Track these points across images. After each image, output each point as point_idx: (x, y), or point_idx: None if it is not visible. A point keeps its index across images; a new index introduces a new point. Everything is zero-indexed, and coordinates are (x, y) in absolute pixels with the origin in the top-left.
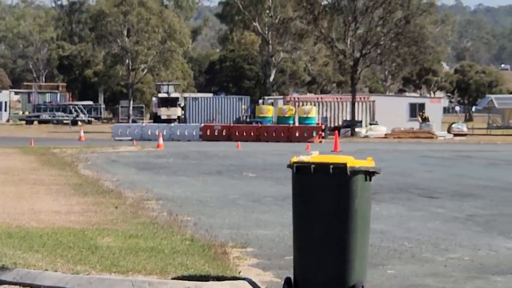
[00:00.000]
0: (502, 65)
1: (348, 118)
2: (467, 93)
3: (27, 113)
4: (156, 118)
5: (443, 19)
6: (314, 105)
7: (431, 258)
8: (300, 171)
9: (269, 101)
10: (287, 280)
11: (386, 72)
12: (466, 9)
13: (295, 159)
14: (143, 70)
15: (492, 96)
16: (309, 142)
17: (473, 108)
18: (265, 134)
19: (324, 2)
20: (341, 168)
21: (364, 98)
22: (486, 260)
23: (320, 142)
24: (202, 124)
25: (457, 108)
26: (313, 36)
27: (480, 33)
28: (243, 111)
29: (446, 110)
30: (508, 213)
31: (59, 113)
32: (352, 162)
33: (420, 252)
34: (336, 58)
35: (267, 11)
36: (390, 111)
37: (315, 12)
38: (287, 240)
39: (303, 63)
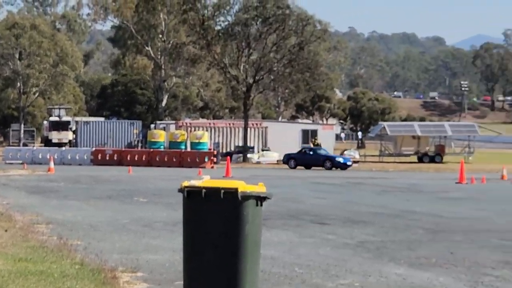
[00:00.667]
0: (395, 93)
1: (241, 144)
2: (360, 120)
3: None
4: (47, 142)
5: (336, 46)
6: (206, 130)
7: (321, 284)
8: (191, 196)
9: (161, 126)
10: None
11: (279, 98)
12: (359, 36)
13: (186, 183)
14: (34, 94)
15: (385, 123)
16: (201, 167)
17: (359, 134)
18: (157, 159)
19: (218, 28)
20: (232, 193)
21: (256, 124)
22: (376, 286)
23: (212, 167)
24: (94, 148)
25: (342, 134)
26: (206, 61)
27: (373, 60)
28: (135, 136)
29: (338, 137)
30: (398, 240)
31: None
32: (243, 187)
33: (310, 278)
34: (229, 84)
35: (160, 36)
36: (282, 137)
37: (208, 38)
38: (177, 265)
39: (196, 88)
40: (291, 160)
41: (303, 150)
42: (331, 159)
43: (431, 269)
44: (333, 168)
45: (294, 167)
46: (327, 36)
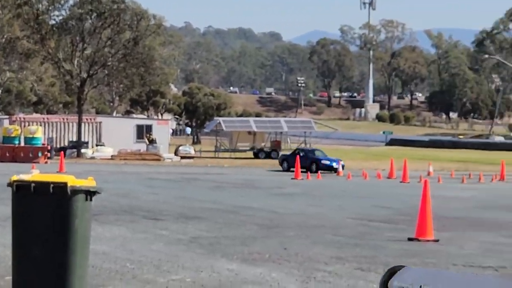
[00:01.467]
0: (231, 88)
1: (75, 139)
2: (195, 115)
3: None
4: None
5: (171, 41)
6: (40, 125)
7: (152, 279)
8: (20, 190)
9: None
10: None
11: (114, 93)
12: (195, 31)
13: (15, 177)
14: None
15: (220, 119)
16: (34, 162)
17: (187, 130)
18: None
19: (52, 22)
20: (61, 187)
21: (90, 119)
22: (208, 281)
23: (46, 162)
24: None
25: (188, 130)
26: (40, 56)
27: (209, 55)
28: None
29: (174, 132)
30: (232, 235)
31: None
32: (72, 181)
33: (141, 274)
34: (63, 79)
35: None
36: (117, 133)
37: (43, 32)
38: (7, 260)
39: (30, 83)
40: (285, 161)
41: (296, 151)
42: (317, 161)
43: (264, 265)
44: (319, 171)
45: (287, 169)
46: (162, 31)
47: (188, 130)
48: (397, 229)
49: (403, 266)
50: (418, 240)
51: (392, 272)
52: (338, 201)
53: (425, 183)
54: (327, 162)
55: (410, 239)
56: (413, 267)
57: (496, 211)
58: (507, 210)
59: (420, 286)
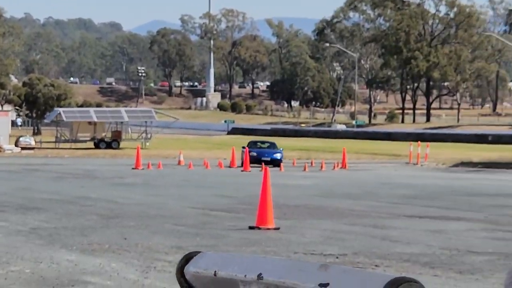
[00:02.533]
0: (71, 78)
1: None
2: (36, 106)
3: None
4: None
5: (11, 32)
6: None
7: None
8: None
9: None
10: None
11: None
12: (36, 21)
13: None
14: None
15: (61, 110)
16: None
17: (18, 121)
18: None
19: None
20: None
21: None
22: (47, 272)
23: None
24: None
25: (19, 121)
26: None
27: (49, 46)
28: None
29: (15, 124)
30: (71, 226)
31: None
32: None
33: None
34: None
35: None
36: None
37: None
38: None
39: None
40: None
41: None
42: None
43: (103, 255)
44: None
45: None
46: (1, 22)
47: (19, 121)
48: (238, 218)
49: (199, 252)
50: (259, 229)
51: (188, 258)
52: (179, 191)
53: (265, 172)
54: (254, 154)
55: (251, 228)
56: (210, 252)
57: (337, 199)
58: (348, 198)
59: (215, 271)
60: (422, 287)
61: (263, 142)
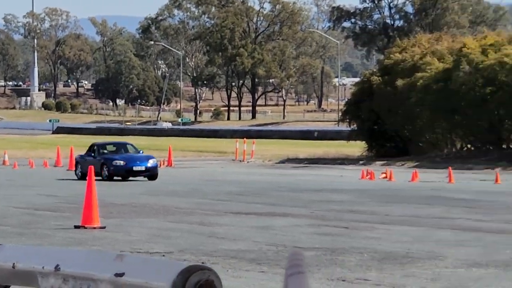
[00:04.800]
0: None
1: None
2: None
3: None
4: None
5: None
6: None
7: None
8: None
9: None
10: None
11: None
12: None
13: None
14: None
15: None
16: None
17: None
18: None
19: None
20: None
21: None
22: None
23: None
24: None
25: None
26: None
27: None
28: None
29: None
30: None
31: None
32: None
33: None
34: None
35: None
36: None
37: None
38: None
39: None
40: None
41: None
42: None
43: None
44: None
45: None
46: None
47: None
48: (64, 217)
49: None
50: (85, 228)
51: None
52: (3, 191)
53: (90, 170)
54: (121, 163)
55: (76, 227)
56: (9, 244)
57: (164, 196)
58: (175, 195)
59: (13, 263)
60: (216, 275)
61: (113, 144)
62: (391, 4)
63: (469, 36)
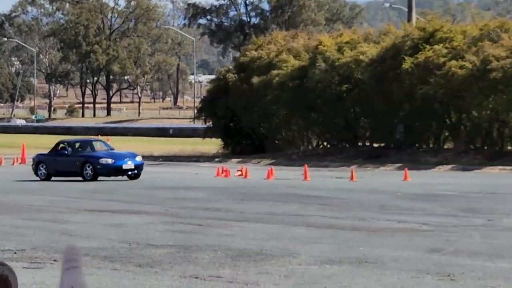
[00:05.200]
0: None
1: None
2: None
3: None
4: None
5: None
6: None
7: None
8: None
9: None
10: None
11: None
12: None
13: None
14: None
15: None
16: None
17: None
18: None
19: None
20: None
21: None
22: None
23: None
24: None
25: None
26: None
27: None
28: None
29: None
30: None
31: None
32: None
33: None
34: None
35: None
36: None
37: None
38: None
39: None
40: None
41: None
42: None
43: None
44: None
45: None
46: None
47: None
48: None
49: None
50: None
51: None
52: None
53: None
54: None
55: None
56: None
57: (16, 194)
58: (27, 193)
59: None
60: (10, 270)
61: (84, 142)
62: (247, 1)
63: (325, 34)
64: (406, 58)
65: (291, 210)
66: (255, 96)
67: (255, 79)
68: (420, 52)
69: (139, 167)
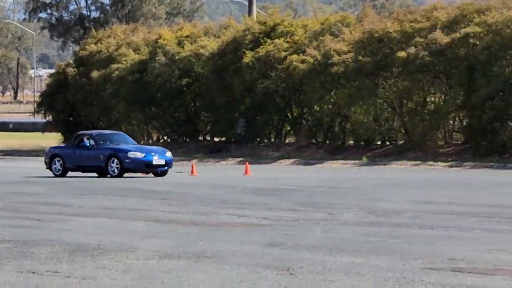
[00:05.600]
0: None
1: None
2: None
3: None
4: None
5: None
6: None
7: None
8: None
9: None
10: None
11: None
12: None
13: None
14: None
15: None
16: None
17: None
18: None
19: None
20: None
21: None
22: None
23: None
24: None
25: None
26: None
27: None
28: None
29: None
30: None
31: None
32: None
33: None
34: None
35: None
36: None
37: None
38: None
39: None
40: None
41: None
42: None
43: None
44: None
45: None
46: None
47: None
48: None
49: None
50: None
51: None
52: None
53: None
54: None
55: None
56: None
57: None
58: None
59: None
60: None
61: (108, 134)
62: None
63: (165, 28)
64: (246, 52)
65: (130, 205)
66: (95, 90)
67: (95, 73)
68: (261, 46)
69: (169, 163)
